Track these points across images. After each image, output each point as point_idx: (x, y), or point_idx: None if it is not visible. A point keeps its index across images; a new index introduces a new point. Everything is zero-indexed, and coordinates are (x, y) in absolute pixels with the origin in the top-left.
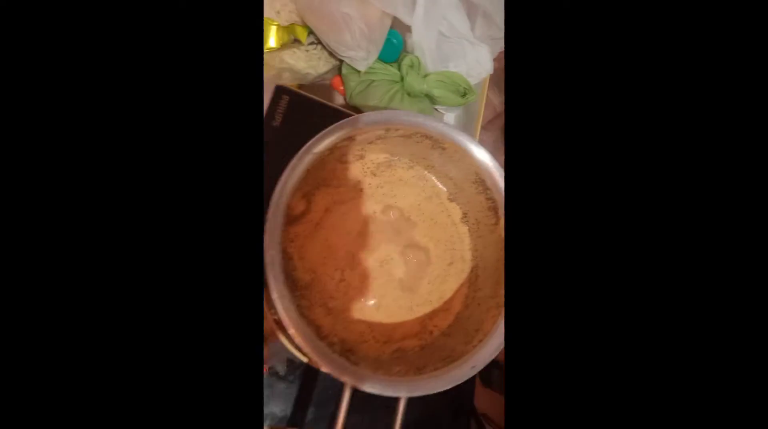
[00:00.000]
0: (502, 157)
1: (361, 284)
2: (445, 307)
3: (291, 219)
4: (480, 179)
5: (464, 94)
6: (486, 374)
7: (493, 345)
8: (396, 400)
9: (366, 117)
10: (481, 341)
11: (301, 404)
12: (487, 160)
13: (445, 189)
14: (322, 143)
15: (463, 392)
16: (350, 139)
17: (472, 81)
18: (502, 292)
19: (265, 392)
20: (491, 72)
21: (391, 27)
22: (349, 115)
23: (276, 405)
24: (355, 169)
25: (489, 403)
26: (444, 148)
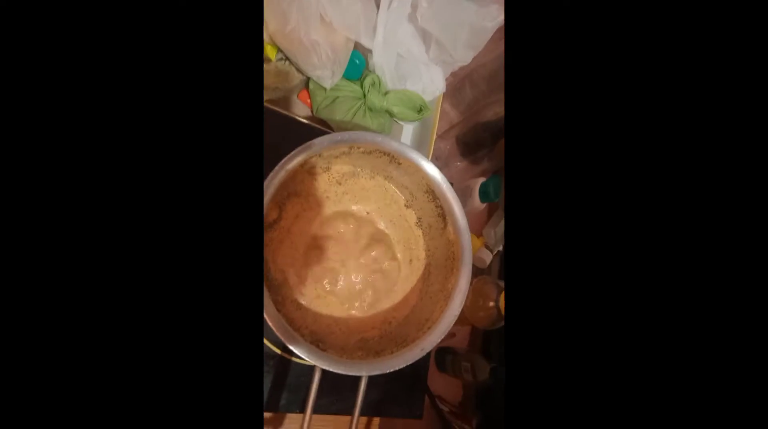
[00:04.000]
0: (457, 162)
1: (327, 283)
2: (404, 301)
3: (265, 226)
4: (430, 190)
5: (420, 110)
6: (440, 360)
7: (439, 330)
8: (358, 381)
9: (332, 137)
10: (429, 328)
11: (275, 391)
12: (435, 174)
13: (402, 197)
14: (294, 161)
15: (417, 375)
16: (318, 155)
17: (427, 98)
18: (449, 285)
19: None
20: (443, 91)
21: (355, 48)
22: (314, 128)
23: None
24: (323, 180)
25: (443, 385)
26: (399, 163)
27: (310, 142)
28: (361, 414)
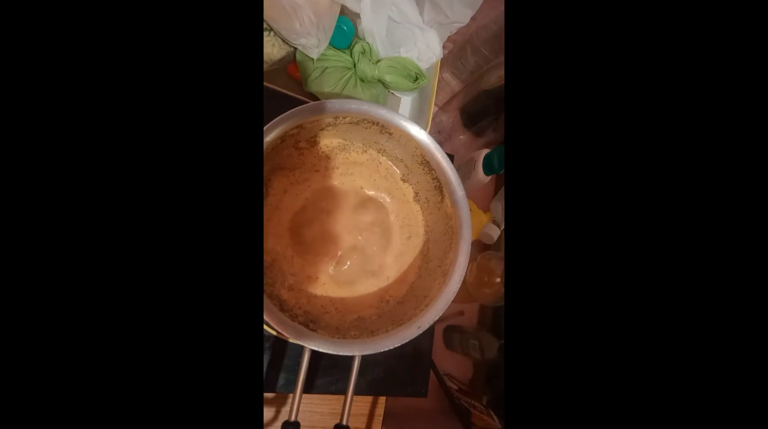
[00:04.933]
0: (460, 135)
1: (320, 262)
2: (402, 278)
3: None
4: (425, 161)
5: (416, 79)
6: (448, 339)
7: (437, 308)
8: (352, 361)
9: (311, 107)
10: (427, 306)
11: (272, 371)
12: (428, 142)
13: (398, 170)
14: (272, 133)
15: (420, 353)
16: (300, 127)
17: (423, 65)
18: (448, 261)
19: None
20: (441, 56)
21: (342, 14)
22: (303, 102)
23: None
24: (311, 155)
25: (452, 363)
26: (391, 133)
27: (288, 112)
28: (363, 393)
